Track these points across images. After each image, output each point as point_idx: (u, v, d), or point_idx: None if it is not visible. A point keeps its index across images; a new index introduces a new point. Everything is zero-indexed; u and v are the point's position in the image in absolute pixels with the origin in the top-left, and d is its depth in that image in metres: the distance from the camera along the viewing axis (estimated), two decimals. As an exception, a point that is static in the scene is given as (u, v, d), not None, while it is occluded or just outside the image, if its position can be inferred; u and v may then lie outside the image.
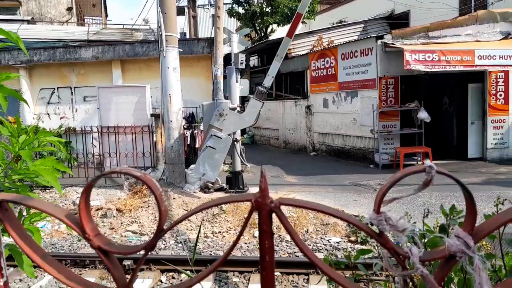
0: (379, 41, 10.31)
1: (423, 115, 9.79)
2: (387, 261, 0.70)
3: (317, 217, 6.86)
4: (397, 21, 15.37)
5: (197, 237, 2.42)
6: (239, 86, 9.46)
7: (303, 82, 14.14)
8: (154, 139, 9.43)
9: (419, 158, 10.30)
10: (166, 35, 8.08)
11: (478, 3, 12.60)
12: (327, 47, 13.55)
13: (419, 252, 0.62)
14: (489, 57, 9.44)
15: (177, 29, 8.78)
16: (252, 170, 10.60)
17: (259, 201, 0.60)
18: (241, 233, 0.63)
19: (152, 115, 9.88)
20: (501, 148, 10.48)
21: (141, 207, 7.54)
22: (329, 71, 12.38)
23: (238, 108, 9.10)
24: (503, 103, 10.34)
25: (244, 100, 11.41)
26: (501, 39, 10.34)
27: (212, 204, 0.64)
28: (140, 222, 7.12)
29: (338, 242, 6.12)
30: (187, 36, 18.46)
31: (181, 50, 9.03)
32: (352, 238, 6.23)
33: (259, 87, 8.37)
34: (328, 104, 12.61)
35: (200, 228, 5.75)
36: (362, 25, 15.70)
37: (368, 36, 11.86)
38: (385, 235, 0.64)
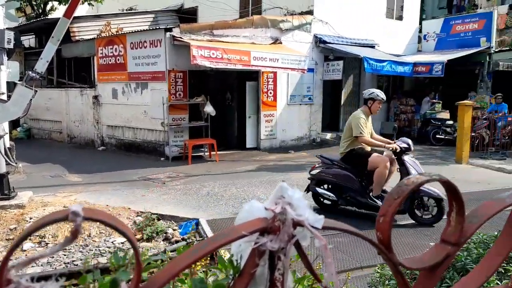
0: (167, 34, 10.35)
1: (209, 109, 10.45)
2: None
3: (101, 218, 6.43)
4: (186, 15, 15.87)
5: None
6: (6, 70, 7.91)
7: (90, 70, 13.03)
8: None
9: (206, 149, 10.98)
10: None
11: (254, 8, 14.22)
12: (115, 34, 12.83)
13: None
14: (262, 59, 10.71)
15: None
16: (26, 170, 9.14)
17: None
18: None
19: None
20: (271, 138, 12.25)
21: None
22: (118, 59, 11.77)
23: (3, 97, 7.61)
24: (272, 100, 12.06)
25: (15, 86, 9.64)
26: (271, 43, 11.94)
27: None
28: None
29: (122, 243, 5.89)
30: None
31: None
32: (138, 236, 6.11)
33: (30, 72, 7.19)
34: (117, 95, 12.00)
35: None
36: (153, 15, 15.54)
37: (158, 27, 11.80)
38: None
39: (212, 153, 10.62)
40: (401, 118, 15.01)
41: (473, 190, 7.72)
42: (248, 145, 11.97)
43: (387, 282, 2.31)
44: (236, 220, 0.56)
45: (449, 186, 0.50)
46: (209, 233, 5.18)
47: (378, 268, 2.53)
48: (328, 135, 13.65)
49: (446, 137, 12.85)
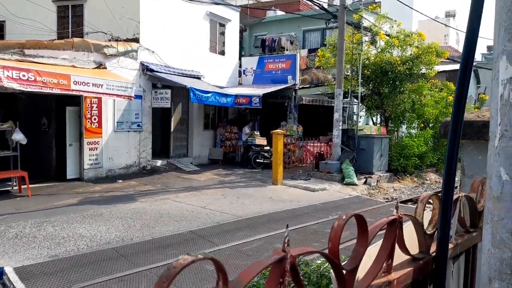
0: (-39, 49, 8.73)
1: (18, 136, 9.15)
2: None
3: None
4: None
5: None
6: None
7: None
8: None
9: (14, 183, 9.51)
10: None
11: (75, 31, 13.28)
12: None
13: None
14: (84, 84, 10.00)
15: None
16: None
17: None
18: None
19: None
20: (96, 168, 11.47)
21: None
22: None
23: None
24: (97, 126, 11.37)
25: None
26: (94, 68, 11.33)
27: None
28: None
29: None
30: None
31: None
32: None
33: None
34: None
35: None
36: None
37: None
38: None
39: (24, 186, 9.26)
40: (227, 145, 16.13)
41: (287, 208, 8.85)
42: (69, 176, 10.89)
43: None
44: None
45: (218, 266, 0.61)
46: (18, 283, 4.50)
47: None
48: (159, 162, 13.59)
49: (265, 161, 14.39)
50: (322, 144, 14.95)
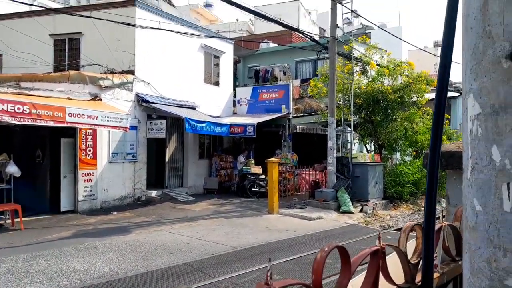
0: (-42, 83, 8.83)
1: (12, 169, 9.12)
2: None
3: None
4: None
5: None
6: None
7: None
8: None
9: (7, 217, 9.40)
10: None
11: (71, 63, 13.51)
12: None
13: None
14: (79, 115, 10.07)
15: None
16: None
17: None
18: None
19: None
20: (91, 199, 11.38)
21: None
22: None
23: None
24: (92, 157, 11.37)
25: None
26: (89, 100, 11.45)
27: None
28: None
29: None
30: None
31: None
32: None
33: None
34: None
35: None
36: None
37: None
38: None
39: (17, 220, 9.14)
40: (222, 174, 16.11)
41: (283, 238, 8.78)
42: (63, 208, 10.78)
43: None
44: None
45: None
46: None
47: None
48: (154, 193, 13.52)
49: (260, 190, 14.35)
50: (317, 172, 14.99)
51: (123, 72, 12.68)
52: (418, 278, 1.24)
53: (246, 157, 15.96)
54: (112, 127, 10.79)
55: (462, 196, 1.01)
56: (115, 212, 11.19)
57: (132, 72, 12.81)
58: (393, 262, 1.24)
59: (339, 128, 13.78)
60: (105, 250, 7.57)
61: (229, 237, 8.71)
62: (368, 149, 16.64)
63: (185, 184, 15.08)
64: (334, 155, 12.85)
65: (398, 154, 15.91)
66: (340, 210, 11.86)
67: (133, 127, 12.19)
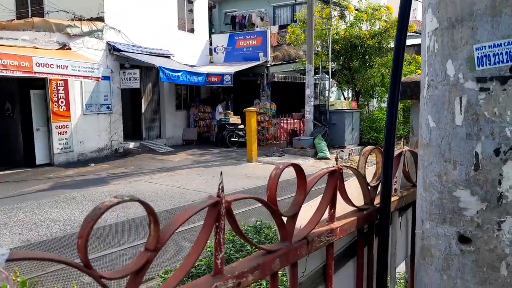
0: None
1: (-19, 123, 8.81)
2: None
3: None
4: None
5: None
6: None
7: None
8: None
9: (-19, 171, 9.22)
10: None
11: (35, 10, 12.68)
12: None
13: None
14: (48, 65, 9.66)
15: None
16: None
17: None
18: None
19: None
20: (67, 152, 11.21)
21: None
22: None
23: None
24: (65, 109, 11.05)
25: None
26: (58, 49, 10.92)
27: None
28: None
29: None
30: None
31: None
32: None
33: None
34: None
35: None
36: None
37: None
38: None
39: (-10, 174, 8.99)
40: (201, 124, 16.01)
41: (261, 184, 8.96)
42: (38, 162, 10.62)
43: None
44: None
45: (147, 208, 0.64)
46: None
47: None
48: (132, 144, 13.40)
49: (239, 140, 14.40)
50: (295, 120, 15.07)
51: (91, 20, 12.04)
52: (377, 200, 1.27)
53: (225, 107, 15.83)
54: (84, 77, 10.43)
55: (419, 115, 1.02)
56: (93, 164, 11.11)
57: (101, 19, 12.17)
58: (354, 186, 1.26)
59: (317, 75, 13.70)
60: (84, 200, 7.60)
61: (209, 185, 8.84)
62: (346, 96, 16.73)
63: (163, 136, 14.98)
64: (312, 103, 12.88)
65: (375, 100, 16.06)
66: (317, 157, 12.11)
67: (105, 77, 11.81)
